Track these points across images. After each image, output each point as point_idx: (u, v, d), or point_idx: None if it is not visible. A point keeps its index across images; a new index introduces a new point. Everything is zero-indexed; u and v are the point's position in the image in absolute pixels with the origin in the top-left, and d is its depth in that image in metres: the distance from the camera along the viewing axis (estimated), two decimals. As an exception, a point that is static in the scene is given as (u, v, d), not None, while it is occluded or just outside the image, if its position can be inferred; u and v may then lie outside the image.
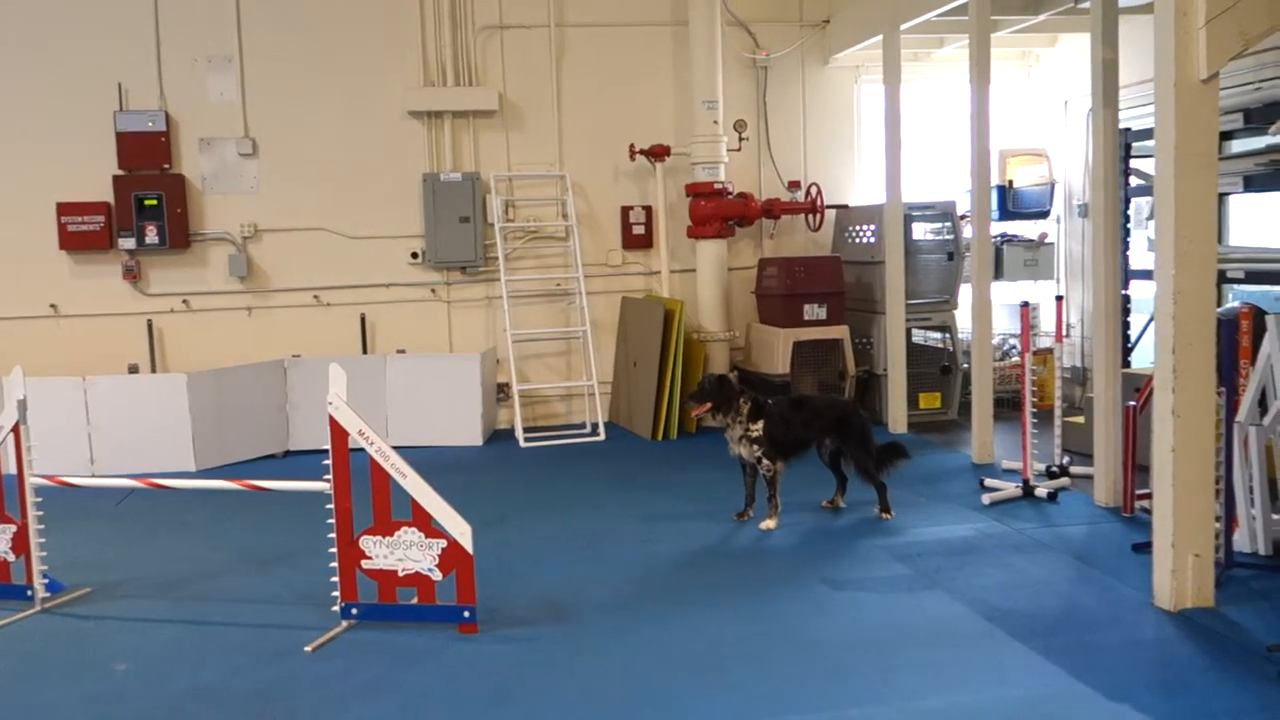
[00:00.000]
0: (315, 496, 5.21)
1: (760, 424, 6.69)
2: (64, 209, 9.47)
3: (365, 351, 10.04)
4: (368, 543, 5.13)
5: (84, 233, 9.50)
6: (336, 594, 5.19)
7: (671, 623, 5.18)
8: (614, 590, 5.68)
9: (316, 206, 9.98)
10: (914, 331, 9.83)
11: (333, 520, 5.15)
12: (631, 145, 10.19)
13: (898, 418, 9.27)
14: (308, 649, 4.95)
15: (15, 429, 5.52)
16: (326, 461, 5.15)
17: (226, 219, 9.86)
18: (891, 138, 9.18)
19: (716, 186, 10.01)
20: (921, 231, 9.80)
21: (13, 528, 5.61)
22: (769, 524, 6.64)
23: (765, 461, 6.69)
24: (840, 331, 9.58)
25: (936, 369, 9.79)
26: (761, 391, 7.09)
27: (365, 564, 5.15)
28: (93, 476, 6.37)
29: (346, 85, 9.95)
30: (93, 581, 5.96)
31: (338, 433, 5.14)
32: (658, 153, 10.19)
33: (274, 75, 9.84)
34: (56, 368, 9.11)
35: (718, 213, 10.05)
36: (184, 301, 9.83)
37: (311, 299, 10.02)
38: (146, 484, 5.76)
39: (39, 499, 5.61)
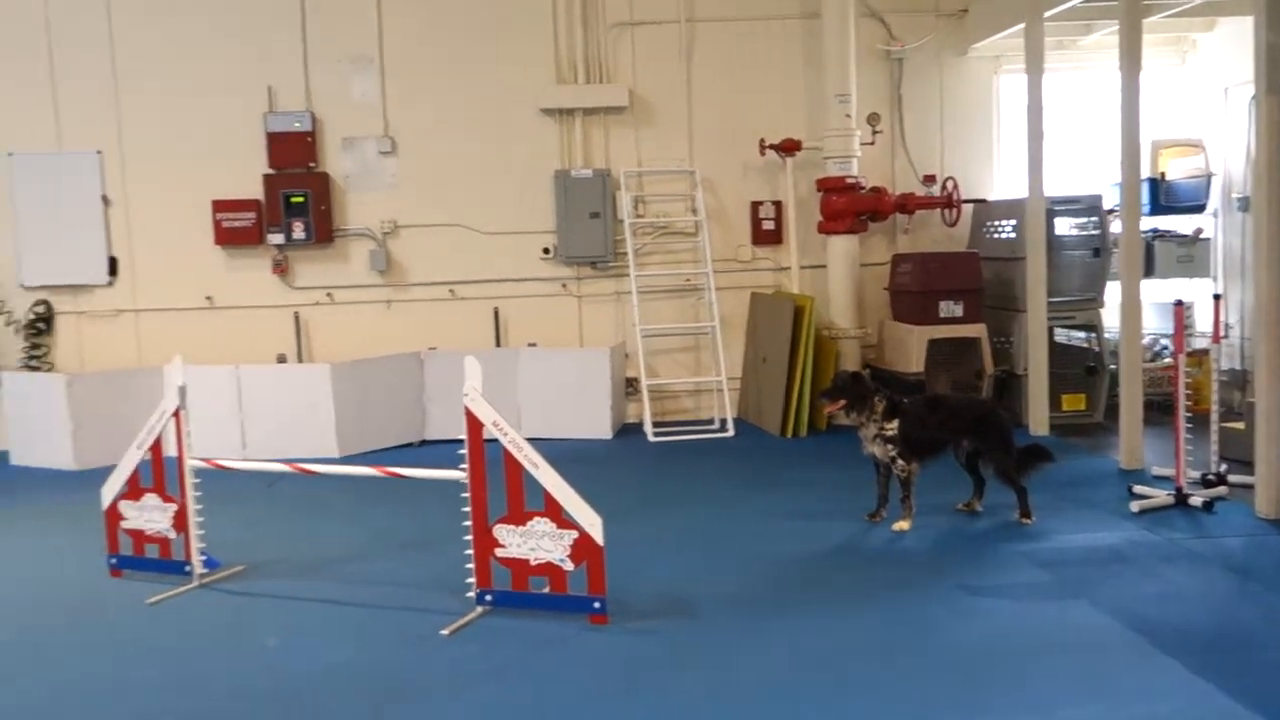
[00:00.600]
0: (451, 485, 5.33)
1: (895, 423, 6.57)
2: (219, 206, 9.94)
3: (498, 345, 10.24)
4: (501, 531, 5.23)
5: (237, 229, 9.95)
6: (472, 580, 5.30)
7: (800, 622, 5.13)
8: (742, 587, 5.65)
9: (452, 203, 10.22)
10: (1056, 330, 9.51)
11: (468, 508, 5.26)
12: (761, 140, 10.12)
13: (1039, 419, 8.97)
14: (444, 632, 5.07)
15: (176, 414, 5.81)
16: (462, 451, 5.26)
17: (367, 215, 10.19)
18: (1033, 129, 8.87)
19: (849, 181, 9.87)
20: (1065, 227, 9.45)
21: (174, 507, 5.91)
22: (902, 525, 6.51)
23: (900, 461, 6.56)
24: (977, 330, 9.33)
25: (1081, 369, 9.44)
26: (895, 390, 6.95)
27: (499, 552, 5.25)
28: (245, 460, 6.67)
29: (481, 84, 10.16)
30: (246, 560, 6.24)
31: (473, 423, 5.24)
32: (788, 147, 10.10)
33: (412, 76, 10.11)
34: (212, 356, 9.55)
35: (850, 208, 9.91)
36: (328, 294, 10.20)
37: (447, 293, 10.27)
38: (294, 469, 5.99)
39: (197, 480, 5.89)
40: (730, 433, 9.65)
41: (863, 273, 10.19)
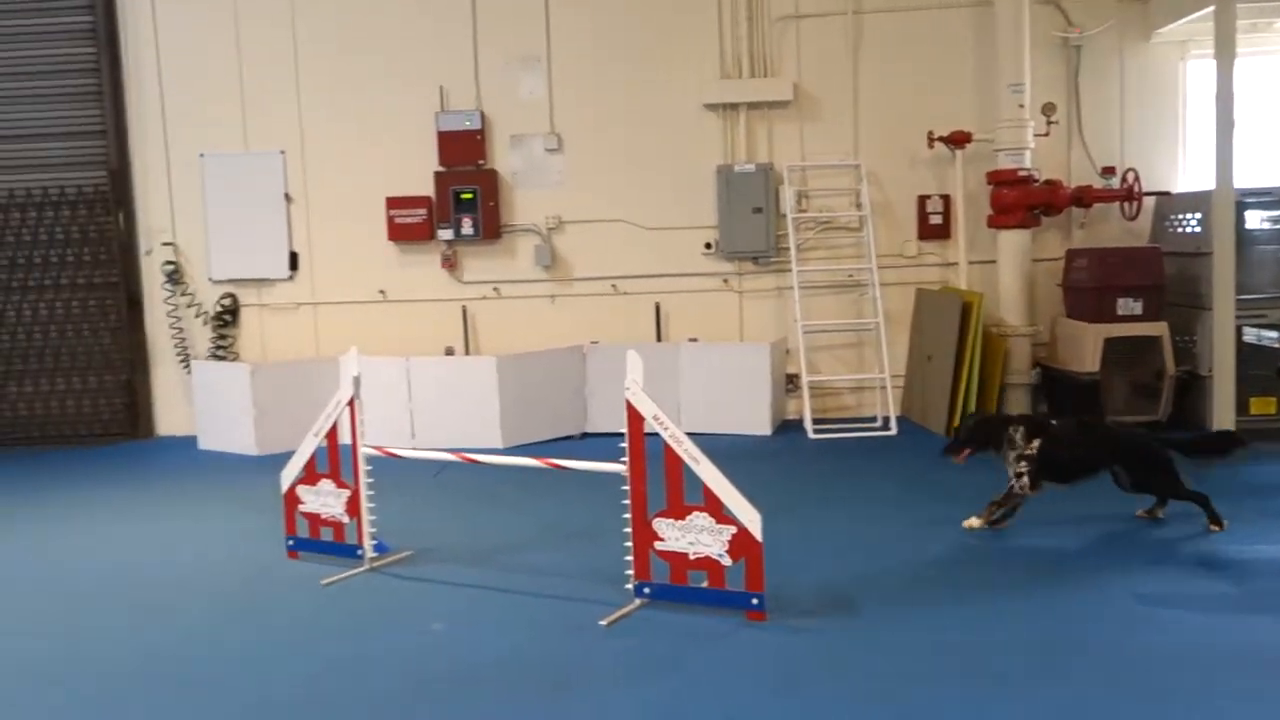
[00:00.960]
0: (612, 477, 5.38)
1: (1036, 443, 6.27)
2: (392, 203, 10.32)
3: (659, 339, 10.30)
4: (660, 525, 5.25)
5: (409, 224, 10.31)
6: (630, 572, 5.35)
7: (963, 626, 4.98)
8: (904, 588, 5.53)
9: (615, 199, 10.32)
10: (1245, 329, 8.93)
11: (628, 501, 5.30)
12: (929, 132, 9.87)
13: (1224, 422, 8.43)
14: (603, 623, 5.13)
15: (350, 403, 6.07)
16: (623, 444, 5.31)
17: (533, 211, 10.40)
18: (1223, 118, 8.32)
19: (1021, 174, 9.52)
20: (1257, 220, 8.88)
21: (347, 492, 6.17)
22: (973, 522, 6.38)
23: (1024, 479, 6.26)
24: (1158, 328, 8.86)
25: (1271, 371, 8.84)
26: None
27: (658, 545, 5.27)
28: (413, 449, 6.92)
29: (645, 81, 10.23)
30: (413, 545, 6.45)
31: (634, 417, 5.28)
32: (957, 139, 9.81)
33: (578, 74, 10.26)
34: (384, 348, 9.94)
35: (1022, 201, 9.55)
36: (494, 289, 10.47)
37: (609, 288, 10.39)
38: (460, 458, 6.17)
39: (369, 467, 6.13)
40: (893, 431, 9.45)
41: (1034, 268, 9.82)
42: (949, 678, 4.44)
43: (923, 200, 10.16)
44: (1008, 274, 9.70)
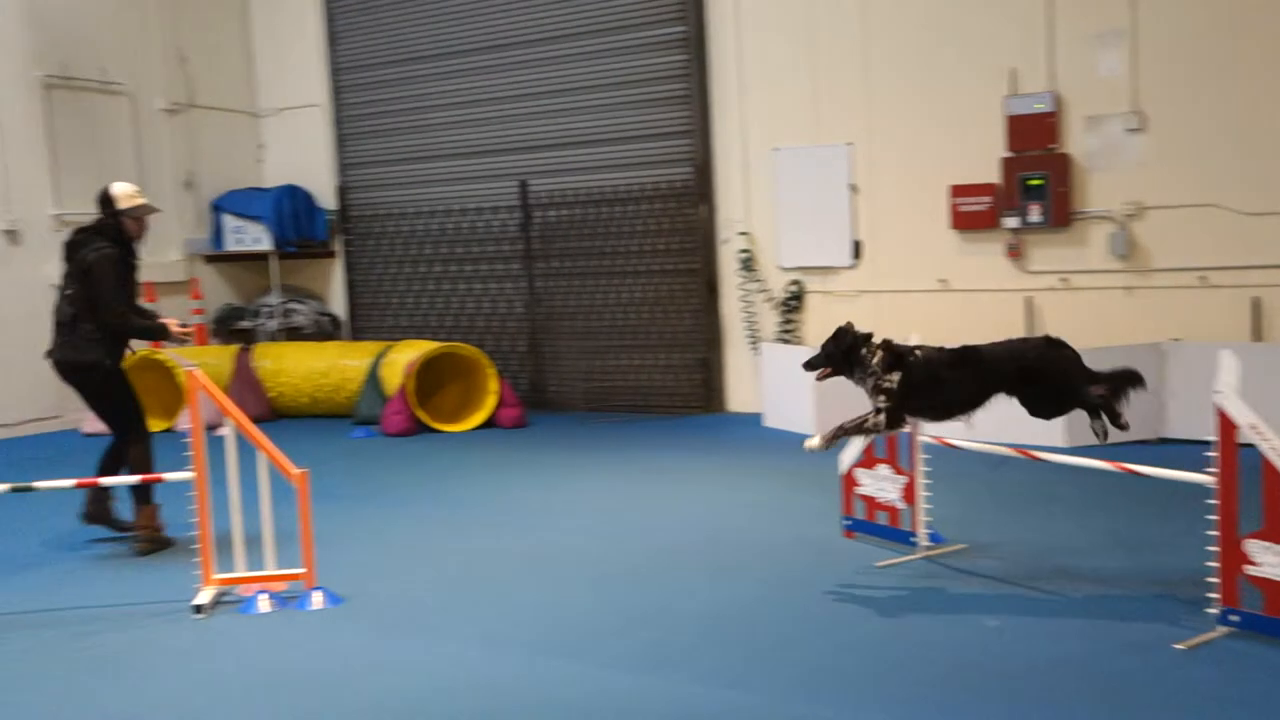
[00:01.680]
0: (1193, 489, 4.93)
1: (895, 375, 5.56)
2: (956, 191, 10.20)
3: (1256, 339, 9.13)
4: (1254, 547, 4.68)
5: (972, 213, 10.13)
6: (1213, 596, 4.84)
7: None
8: None
9: (1208, 180, 9.27)
10: None
11: (1213, 517, 4.80)
12: None
13: None
14: (1179, 647, 4.70)
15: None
16: (1208, 454, 4.81)
17: (1108, 197, 9.69)
18: None
19: None
20: None
21: (904, 479, 6.24)
22: (814, 443, 5.70)
23: (881, 416, 5.54)
24: None
25: None
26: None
27: (1249, 569, 4.71)
28: (971, 440, 6.80)
29: (1252, 46, 9.04)
30: (966, 539, 6.37)
31: (1225, 425, 4.76)
32: None
33: (1168, 44, 9.34)
34: (943, 337, 9.81)
35: None
36: (1062, 279, 9.93)
37: (1195, 279, 9.39)
38: (1021, 454, 5.96)
39: (927, 456, 6.16)
40: None
41: None
42: None
43: None
44: None
